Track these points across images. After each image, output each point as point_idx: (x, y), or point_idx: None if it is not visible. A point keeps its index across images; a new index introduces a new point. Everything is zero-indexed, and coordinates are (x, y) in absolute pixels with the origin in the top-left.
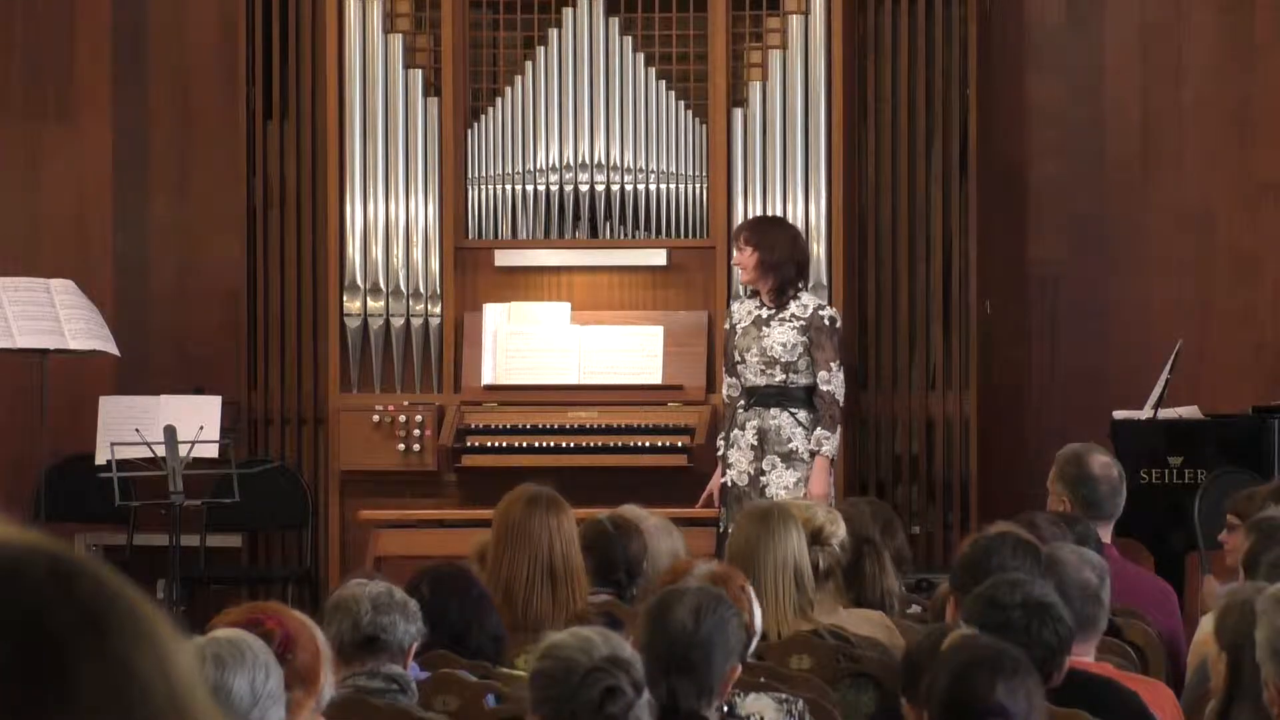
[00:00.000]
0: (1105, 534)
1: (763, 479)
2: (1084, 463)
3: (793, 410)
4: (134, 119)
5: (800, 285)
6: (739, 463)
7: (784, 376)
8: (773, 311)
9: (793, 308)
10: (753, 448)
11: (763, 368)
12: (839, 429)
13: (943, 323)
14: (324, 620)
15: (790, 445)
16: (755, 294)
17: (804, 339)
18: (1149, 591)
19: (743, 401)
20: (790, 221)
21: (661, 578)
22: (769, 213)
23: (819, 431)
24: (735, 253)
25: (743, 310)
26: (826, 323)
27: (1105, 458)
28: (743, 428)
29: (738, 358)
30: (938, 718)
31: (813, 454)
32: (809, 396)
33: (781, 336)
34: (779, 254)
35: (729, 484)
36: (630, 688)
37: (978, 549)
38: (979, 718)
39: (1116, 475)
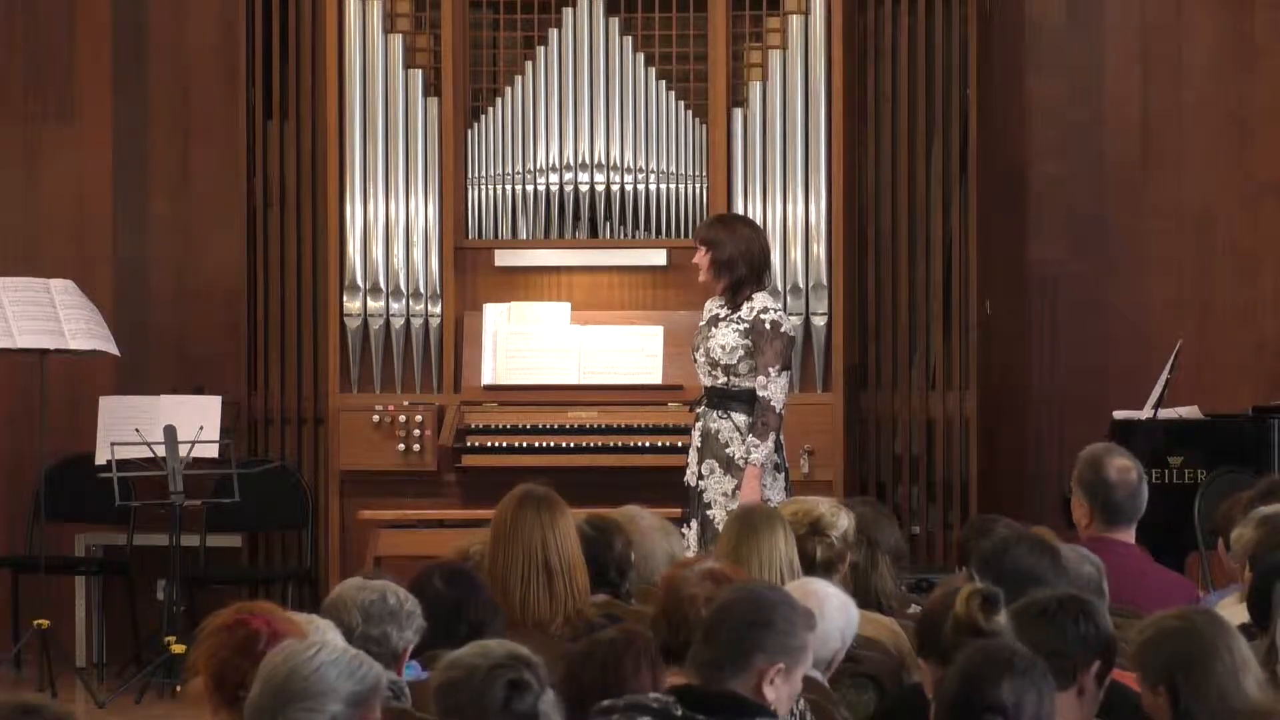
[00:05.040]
0: (1128, 536)
1: (701, 483)
2: (1101, 467)
3: (734, 414)
4: (134, 119)
5: (756, 285)
6: (691, 464)
7: (726, 379)
8: (728, 312)
9: (743, 309)
10: (697, 450)
11: (708, 369)
12: (772, 436)
13: (943, 323)
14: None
15: (727, 450)
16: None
17: (745, 342)
18: (1174, 592)
19: (697, 401)
20: (753, 220)
21: (662, 578)
22: (767, 213)
23: (750, 439)
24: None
25: (707, 308)
26: (768, 327)
27: (1124, 460)
28: (695, 428)
29: (692, 356)
30: (944, 714)
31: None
32: (752, 400)
33: (724, 338)
34: (730, 252)
35: (686, 483)
36: (535, 681)
37: (995, 549)
38: (980, 714)
39: (1135, 478)
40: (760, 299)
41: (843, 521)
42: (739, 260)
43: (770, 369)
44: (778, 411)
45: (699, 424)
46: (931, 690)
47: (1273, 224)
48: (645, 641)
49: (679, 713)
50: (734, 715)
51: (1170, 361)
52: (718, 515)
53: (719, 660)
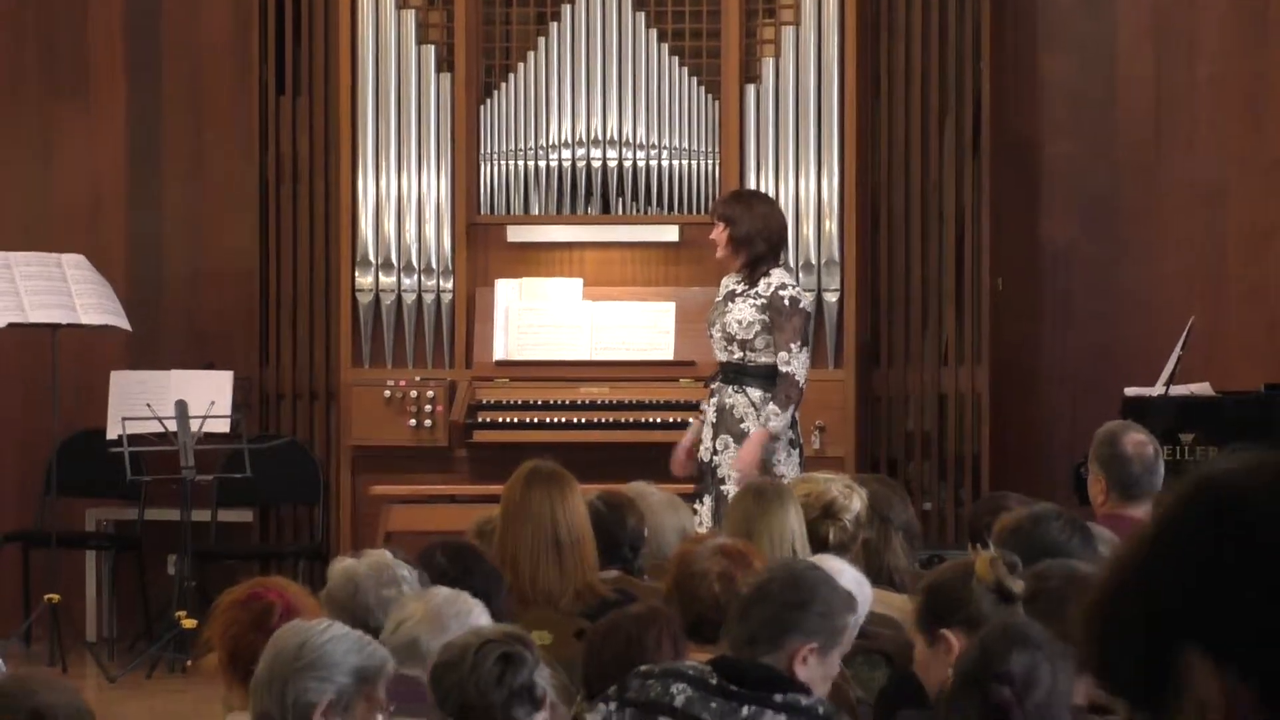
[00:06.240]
0: (1144, 512)
1: (715, 458)
2: (1117, 442)
3: (749, 389)
4: (148, 99)
5: (773, 262)
6: (705, 439)
7: (741, 354)
8: (745, 288)
9: (760, 285)
10: (712, 425)
11: (724, 344)
12: (792, 409)
13: (955, 299)
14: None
15: (742, 425)
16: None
17: (763, 317)
18: None
19: (712, 377)
20: (770, 197)
21: (674, 554)
22: (780, 189)
23: (770, 407)
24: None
25: (724, 284)
26: (787, 303)
27: (1140, 435)
28: (709, 403)
29: (708, 332)
30: (958, 686)
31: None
32: (770, 375)
33: (740, 314)
34: (747, 229)
35: (700, 459)
36: (529, 654)
37: (1026, 523)
38: (989, 683)
39: (1151, 453)
40: (778, 275)
41: (855, 504)
42: (757, 236)
43: (791, 345)
44: (800, 386)
45: (713, 399)
46: (922, 666)
47: None
48: (668, 618)
49: (714, 681)
50: (768, 688)
51: (1182, 339)
52: (732, 490)
53: (754, 636)
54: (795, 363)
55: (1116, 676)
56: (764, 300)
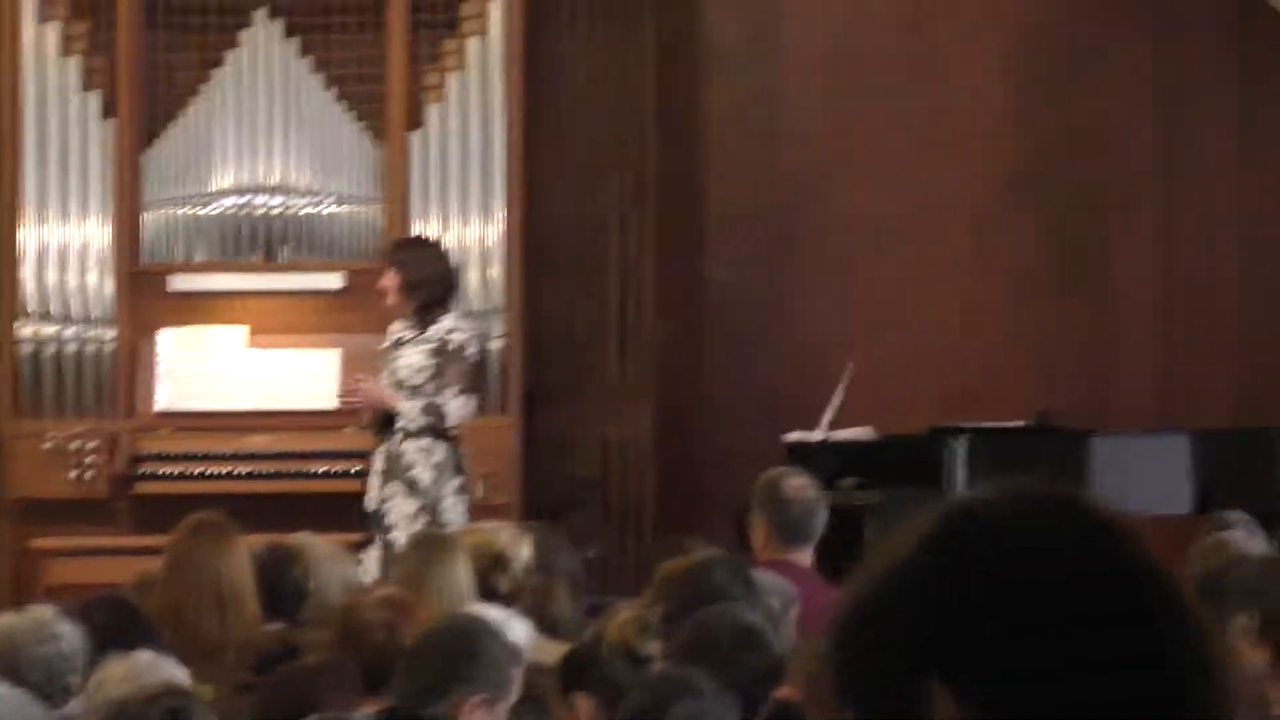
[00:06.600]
0: (805, 557)
1: (384, 505)
2: (777, 487)
3: (414, 436)
4: None
5: (444, 307)
6: (373, 487)
7: (410, 401)
8: (415, 334)
9: (430, 330)
10: (381, 473)
11: (394, 391)
12: (438, 417)
13: (619, 342)
14: None
15: (411, 473)
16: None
17: (433, 362)
18: None
19: (377, 425)
20: (439, 242)
21: (341, 605)
22: (445, 235)
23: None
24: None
25: (392, 331)
26: (454, 347)
27: (801, 480)
28: (375, 452)
29: (376, 379)
30: None
31: (434, 482)
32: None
33: (410, 359)
34: (417, 274)
35: (366, 508)
36: (194, 708)
37: (692, 570)
38: None
39: (812, 496)
40: (449, 319)
41: (524, 552)
42: (427, 282)
43: (449, 389)
44: (447, 426)
45: (382, 447)
46: None
47: (948, 241)
48: (344, 669)
49: None
50: None
51: (842, 383)
52: (400, 538)
53: (422, 688)
54: (450, 405)
55: (869, 708)
56: (435, 344)
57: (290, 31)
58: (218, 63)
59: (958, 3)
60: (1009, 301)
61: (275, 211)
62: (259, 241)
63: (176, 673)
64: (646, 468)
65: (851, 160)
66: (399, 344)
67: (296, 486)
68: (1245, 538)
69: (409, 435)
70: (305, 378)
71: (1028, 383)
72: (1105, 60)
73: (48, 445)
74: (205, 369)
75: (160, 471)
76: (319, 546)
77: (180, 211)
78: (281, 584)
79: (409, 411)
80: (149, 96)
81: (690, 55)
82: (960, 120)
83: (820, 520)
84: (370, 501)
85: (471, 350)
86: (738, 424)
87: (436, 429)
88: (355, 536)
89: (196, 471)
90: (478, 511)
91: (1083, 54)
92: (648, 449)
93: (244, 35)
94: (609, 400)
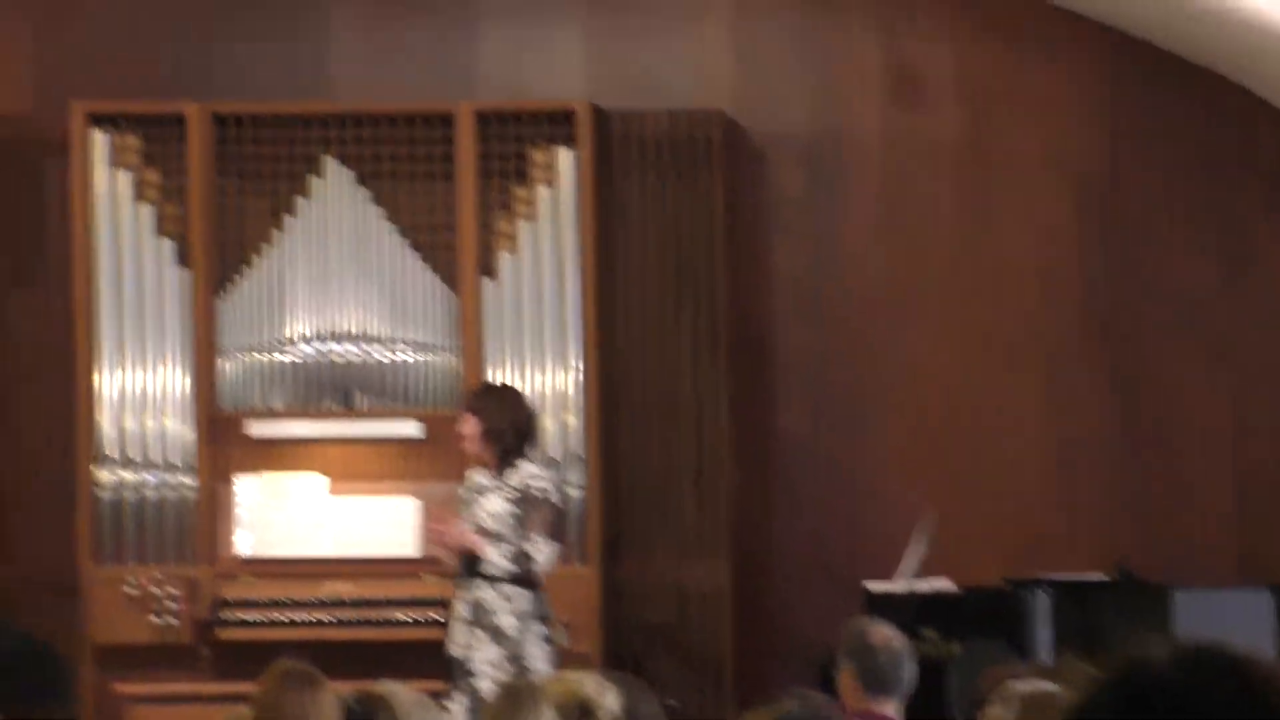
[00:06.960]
0: (890, 708)
1: (468, 653)
2: (864, 635)
3: (501, 584)
4: None
5: (522, 454)
6: (456, 635)
7: (494, 548)
8: (495, 481)
9: (510, 477)
10: (465, 621)
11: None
12: (526, 563)
13: (695, 491)
14: None
15: (494, 619)
16: None
17: (515, 509)
18: None
19: (461, 572)
20: (517, 390)
21: None
22: (522, 384)
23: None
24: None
25: (470, 478)
26: (537, 494)
27: (888, 630)
28: (457, 599)
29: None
30: None
31: (519, 629)
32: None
33: (492, 506)
34: (497, 421)
35: (452, 655)
36: None
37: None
38: None
39: (898, 646)
40: (528, 467)
41: (610, 700)
42: (507, 430)
43: (535, 536)
44: (535, 572)
45: (466, 594)
46: None
47: (1015, 388)
48: None
49: None
50: None
51: (921, 531)
52: (484, 685)
53: None
54: (539, 552)
55: None
56: (518, 492)
57: (361, 180)
58: (290, 209)
59: (1017, 150)
60: (1078, 448)
61: (353, 359)
62: (336, 389)
63: None
64: (723, 615)
65: (916, 307)
66: (480, 491)
67: (378, 634)
68: None
69: (493, 582)
70: (385, 525)
71: (1102, 531)
72: (1167, 208)
73: (129, 590)
74: (287, 516)
75: (243, 618)
76: (406, 695)
77: (257, 358)
78: None
79: (494, 558)
80: (221, 243)
81: (755, 205)
82: (1024, 264)
83: (907, 671)
84: (454, 648)
85: (554, 498)
86: (812, 572)
87: (521, 576)
88: (436, 684)
89: (279, 618)
90: (560, 659)
91: (1143, 198)
92: (725, 596)
93: (315, 184)
94: (685, 547)
